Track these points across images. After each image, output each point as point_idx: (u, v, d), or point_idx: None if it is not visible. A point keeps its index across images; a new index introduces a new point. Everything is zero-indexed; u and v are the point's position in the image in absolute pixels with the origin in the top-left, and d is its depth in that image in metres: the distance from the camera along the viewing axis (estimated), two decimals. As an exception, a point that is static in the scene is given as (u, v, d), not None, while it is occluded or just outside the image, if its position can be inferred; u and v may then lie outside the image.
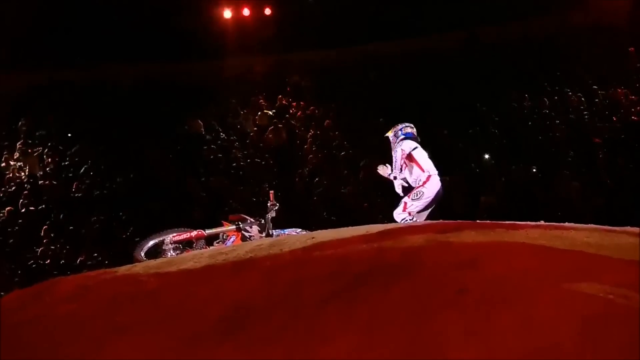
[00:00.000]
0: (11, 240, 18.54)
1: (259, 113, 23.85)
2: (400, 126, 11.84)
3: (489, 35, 25.30)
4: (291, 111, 24.28)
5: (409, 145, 11.58)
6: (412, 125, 11.86)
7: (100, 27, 24.41)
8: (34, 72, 24.13)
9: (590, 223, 8.00)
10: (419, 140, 11.73)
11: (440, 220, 10.61)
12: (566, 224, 7.70)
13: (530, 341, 5.11)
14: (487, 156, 20.50)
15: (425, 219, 11.15)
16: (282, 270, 6.75)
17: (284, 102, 24.66)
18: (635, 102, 21.77)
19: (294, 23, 25.63)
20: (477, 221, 7.65)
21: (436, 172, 11.42)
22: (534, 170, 19.50)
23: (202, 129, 22.81)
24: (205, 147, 22.10)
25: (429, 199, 11.28)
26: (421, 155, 11.52)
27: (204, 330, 6.17)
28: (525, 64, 24.04)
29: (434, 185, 11.34)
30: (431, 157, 11.59)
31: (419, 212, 11.28)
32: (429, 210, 11.35)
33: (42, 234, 18.55)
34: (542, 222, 7.87)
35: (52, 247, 18.25)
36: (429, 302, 5.69)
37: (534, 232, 7.04)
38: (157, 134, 22.13)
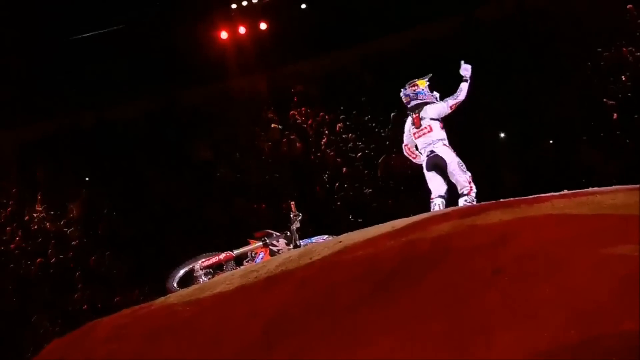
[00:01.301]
0: (45, 291, 18.63)
1: (270, 127, 23.86)
2: (402, 92, 11.77)
3: (484, 14, 25.17)
4: (301, 120, 24.28)
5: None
6: (415, 82, 11.75)
7: (100, 68, 24.54)
8: (42, 123, 24.28)
9: (614, 185, 7.93)
10: (424, 100, 11.60)
11: (464, 205, 10.65)
12: (590, 189, 7.64)
13: (572, 308, 5.09)
14: (502, 135, 20.41)
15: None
16: (314, 278, 6.74)
17: (292, 112, 24.67)
18: (641, 58, 21.60)
19: (290, 33, 25.65)
20: (500, 200, 7.59)
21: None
22: (551, 142, 19.39)
23: (211, 154, 22.86)
24: (222, 170, 22.15)
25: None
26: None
27: (246, 349, 6.17)
28: (526, 37, 23.89)
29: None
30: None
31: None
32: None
33: (75, 280, 18.64)
34: (565, 191, 7.80)
35: (87, 292, 18.33)
36: (465, 287, 5.67)
37: (559, 202, 6.98)
38: (171, 165, 22.19)
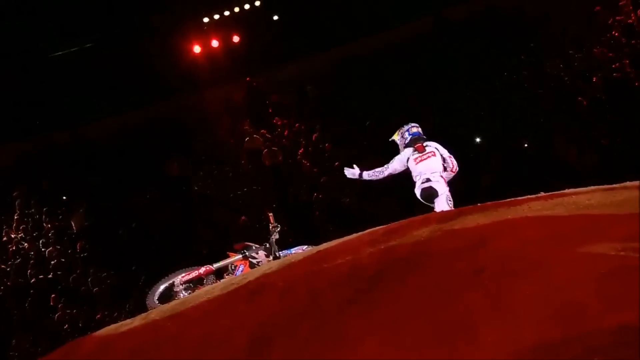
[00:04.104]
0: (26, 311, 18.53)
1: (247, 139, 23.84)
2: (406, 127, 11.92)
3: (455, 15, 25.32)
4: (277, 131, 24.30)
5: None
6: (416, 125, 11.92)
7: (74, 85, 24.46)
8: (17, 142, 24.19)
9: (592, 183, 8.00)
10: (425, 137, 11.78)
11: (440, 210, 10.75)
12: (566, 190, 7.70)
13: (554, 305, 5.15)
14: (478, 140, 20.52)
15: None
16: (295, 287, 6.75)
17: (268, 123, 24.68)
18: (613, 59, 21.78)
19: (263, 44, 25.69)
20: (478, 204, 7.64)
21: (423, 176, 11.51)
22: (526, 145, 19.53)
23: (188, 168, 22.84)
24: (200, 183, 22.13)
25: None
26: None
27: (233, 360, 6.18)
28: (498, 39, 24.03)
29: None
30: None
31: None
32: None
33: (55, 299, 18.55)
34: (541, 193, 7.86)
35: (68, 311, 18.23)
36: (447, 287, 5.72)
37: (535, 204, 7.05)
38: (148, 181, 22.14)
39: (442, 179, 11.50)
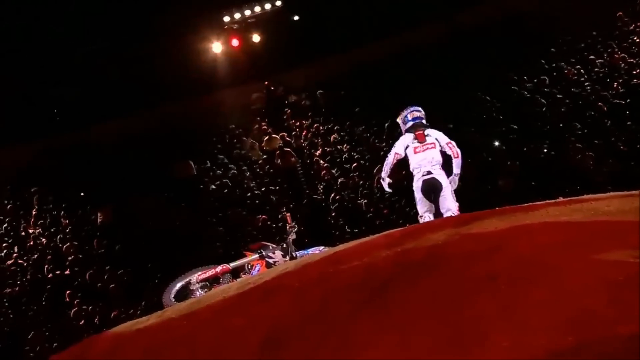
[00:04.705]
0: (42, 307, 18.59)
1: (265, 138, 23.88)
2: (407, 111, 11.76)
3: (474, 19, 25.26)
4: (295, 131, 24.32)
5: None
6: (419, 109, 11.75)
7: (92, 83, 24.57)
8: (38, 141, 24.33)
9: (610, 191, 7.96)
10: (427, 124, 11.65)
11: (459, 214, 10.67)
12: (585, 196, 7.67)
13: (567, 313, 5.10)
14: (497, 143, 20.44)
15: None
16: (310, 289, 6.74)
17: (286, 123, 24.71)
18: (634, 64, 21.69)
19: (283, 44, 25.73)
20: (496, 208, 7.62)
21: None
22: (545, 150, 19.44)
23: (205, 168, 22.89)
24: (218, 182, 22.16)
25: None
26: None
27: (245, 362, 6.18)
28: (518, 43, 23.97)
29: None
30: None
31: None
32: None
33: (72, 295, 18.61)
34: (560, 199, 7.83)
35: (84, 307, 18.29)
36: (460, 292, 5.68)
37: (553, 210, 7.00)
38: (166, 180, 22.20)
39: (442, 171, 11.38)
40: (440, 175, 11.29)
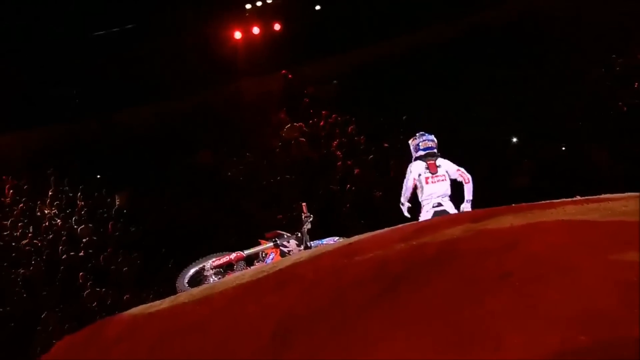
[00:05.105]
0: (56, 287, 18.70)
1: (283, 128, 23.88)
2: (418, 139, 11.71)
3: (493, 17, 25.14)
4: (313, 121, 24.30)
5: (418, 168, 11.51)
6: (432, 138, 11.70)
7: (111, 70, 24.63)
8: (54, 124, 24.43)
9: (627, 192, 7.92)
10: (438, 154, 11.61)
11: (475, 210, 10.61)
12: (602, 195, 7.63)
13: (581, 313, 5.09)
14: (514, 139, 20.39)
15: None
16: (324, 280, 6.74)
17: (304, 114, 24.69)
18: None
19: (304, 34, 25.67)
20: (512, 205, 7.59)
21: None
22: (563, 148, 19.38)
23: (222, 155, 22.91)
24: (234, 169, 22.18)
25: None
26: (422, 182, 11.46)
27: (256, 350, 6.19)
28: (538, 42, 23.83)
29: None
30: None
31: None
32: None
33: (85, 277, 18.70)
34: (577, 197, 7.80)
35: (97, 289, 18.38)
36: (473, 288, 5.66)
37: (570, 208, 6.98)
38: (182, 167, 22.26)
39: (451, 202, 11.40)
40: (450, 207, 11.32)
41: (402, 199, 11.70)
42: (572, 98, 21.24)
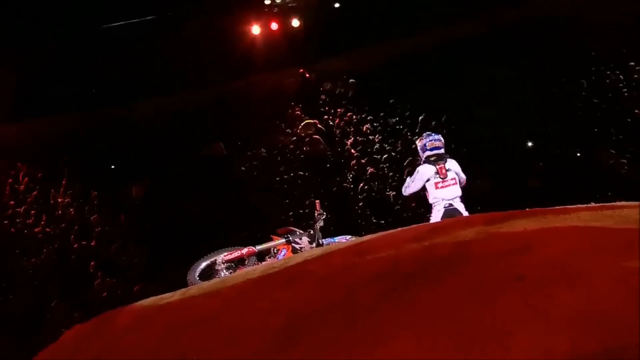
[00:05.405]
0: (66, 277, 18.76)
1: (298, 124, 23.88)
2: (425, 140, 11.69)
3: (512, 17, 25.02)
4: (328, 118, 24.29)
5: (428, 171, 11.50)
6: (439, 138, 11.68)
7: (128, 62, 24.65)
8: (70, 113, 24.47)
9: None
10: (447, 155, 11.59)
11: (489, 212, 10.59)
12: (617, 202, 7.61)
13: (593, 318, 5.06)
14: (530, 143, 20.33)
15: None
16: (334, 276, 6.74)
17: (320, 111, 24.67)
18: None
19: (322, 30, 25.63)
20: (526, 209, 7.57)
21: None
22: (578, 154, 19.32)
23: (236, 150, 22.92)
24: (248, 164, 22.19)
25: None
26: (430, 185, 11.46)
27: (266, 345, 6.18)
28: (558, 45, 23.73)
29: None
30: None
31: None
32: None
33: (95, 267, 18.75)
34: (592, 204, 7.78)
35: (108, 279, 18.43)
36: (485, 290, 5.64)
37: (585, 214, 6.96)
38: (194, 161, 22.29)
39: (462, 203, 11.39)
40: (461, 207, 11.31)
41: (404, 191, 11.71)
42: (591, 101, 21.17)
